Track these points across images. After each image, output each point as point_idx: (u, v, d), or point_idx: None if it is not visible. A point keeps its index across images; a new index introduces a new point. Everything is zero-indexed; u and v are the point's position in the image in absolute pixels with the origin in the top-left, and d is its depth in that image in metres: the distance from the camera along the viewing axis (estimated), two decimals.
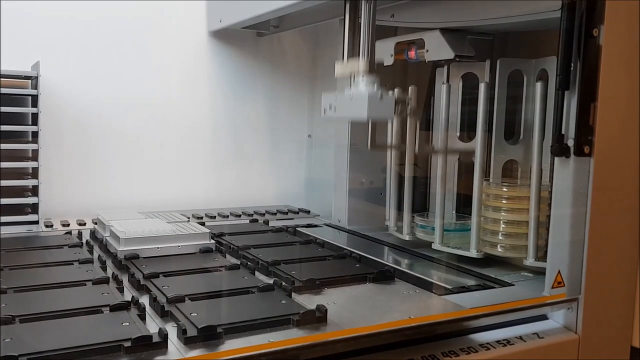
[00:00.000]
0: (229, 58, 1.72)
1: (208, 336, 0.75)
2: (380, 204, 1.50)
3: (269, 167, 1.80)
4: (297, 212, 1.67)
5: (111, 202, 1.55)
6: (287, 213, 1.65)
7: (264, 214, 1.62)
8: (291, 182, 1.84)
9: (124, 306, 0.83)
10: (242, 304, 0.88)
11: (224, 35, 1.70)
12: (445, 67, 1.32)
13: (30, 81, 1.42)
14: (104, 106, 1.56)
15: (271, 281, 0.98)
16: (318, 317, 0.82)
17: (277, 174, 1.82)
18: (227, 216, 1.58)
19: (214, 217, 1.56)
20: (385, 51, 1.40)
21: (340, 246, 1.26)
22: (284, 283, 0.96)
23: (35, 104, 1.38)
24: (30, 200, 1.37)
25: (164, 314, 0.83)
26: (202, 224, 1.36)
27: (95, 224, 1.33)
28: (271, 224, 1.50)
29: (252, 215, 1.61)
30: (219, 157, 1.73)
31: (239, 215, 1.60)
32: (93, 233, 1.29)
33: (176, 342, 0.75)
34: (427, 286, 1.01)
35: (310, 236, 1.34)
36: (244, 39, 1.74)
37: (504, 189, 1.15)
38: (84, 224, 1.41)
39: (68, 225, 1.39)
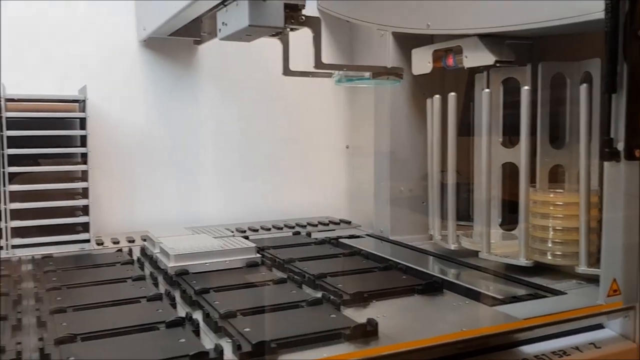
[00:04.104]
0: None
1: (262, 351, 0.76)
2: (421, 213, 1.50)
3: (308, 179, 1.82)
4: (338, 223, 1.68)
5: (156, 218, 1.59)
6: (328, 224, 1.66)
7: (305, 226, 1.63)
8: (330, 193, 1.84)
9: (179, 322, 0.85)
10: (293, 318, 0.89)
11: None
12: (485, 73, 1.31)
13: (77, 104, 1.47)
14: (145, 126, 1.60)
15: (318, 295, 0.99)
16: (369, 331, 0.82)
17: (315, 185, 1.83)
18: (270, 229, 1.60)
19: (257, 230, 1.58)
20: (423, 59, 1.40)
21: (384, 257, 1.26)
22: (332, 297, 0.97)
23: (83, 126, 1.42)
24: (81, 219, 1.42)
25: (218, 330, 0.84)
26: (246, 237, 1.38)
27: (144, 240, 1.37)
28: (313, 235, 1.51)
29: (293, 227, 1.62)
30: (258, 170, 1.75)
31: (281, 228, 1.62)
32: (143, 250, 1.32)
33: (231, 357, 0.76)
34: (477, 297, 1.00)
35: (354, 248, 1.34)
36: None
37: (552, 195, 1.13)
38: (133, 241, 1.45)
39: (118, 242, 1.43)
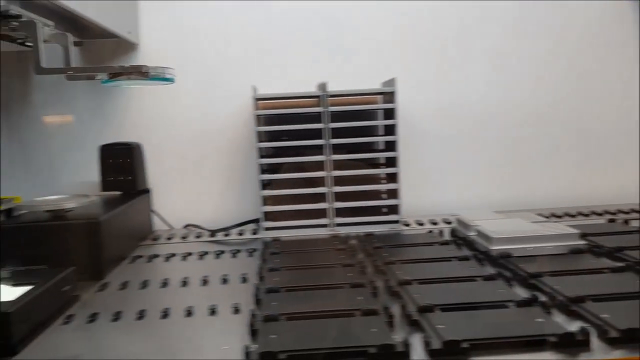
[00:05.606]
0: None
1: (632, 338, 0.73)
2: None
3: (604, 164, 1.68)
4: None
5: (452, 201, 1.65)
6: None
7: (615, 213, 1.51)
8: (632, 178, 1.67)
9: (528, 302, 0.87)
10: None
11: None
12: None
13: (379, 96, 1.60)
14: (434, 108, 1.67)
15: None
16: None
17: (614, 170, 1.67)
18: (575, 215, 1.52)
19: (561, 216, 1.52)
20: None
21: None
22: None
23: (390, 116, 1.54)
24: (390, 202, 1.54)
25: (570, 313, 0.84)
26: None
27: (449, 223, 1.43)
28: (632, 224, 1.39)
29: (601, 214, 1.51)
30: (552, 155, 1.68)
31: (587, 215, 1.52)
32: (454, 231, 1.38)
33: (596, 342, 0.75)
34: None
35: None
36: None
37: None
38: (436, 223, 1.52)
39: (422, 224, 1.52)
